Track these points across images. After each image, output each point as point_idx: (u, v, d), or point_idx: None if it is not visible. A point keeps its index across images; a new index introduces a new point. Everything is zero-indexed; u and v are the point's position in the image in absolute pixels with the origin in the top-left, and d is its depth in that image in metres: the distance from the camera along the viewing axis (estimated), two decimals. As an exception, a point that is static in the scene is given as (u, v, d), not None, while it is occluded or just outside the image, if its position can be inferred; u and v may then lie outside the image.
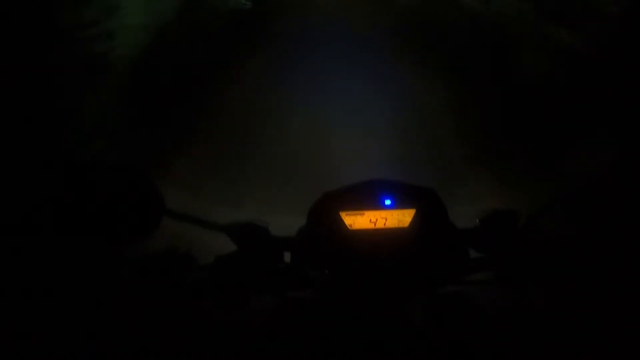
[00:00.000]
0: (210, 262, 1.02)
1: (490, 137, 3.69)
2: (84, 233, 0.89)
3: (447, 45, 5.94)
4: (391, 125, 3.94)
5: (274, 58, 5.56)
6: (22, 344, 1.08)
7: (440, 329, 1.05)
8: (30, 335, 1.08)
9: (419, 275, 1.04)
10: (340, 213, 1.04)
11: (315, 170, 3.08)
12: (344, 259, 1.04)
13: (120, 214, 0.91)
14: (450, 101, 4.45)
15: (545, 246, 1.08)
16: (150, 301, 0.94)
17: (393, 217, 1.04)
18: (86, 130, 3.36)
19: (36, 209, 0.86)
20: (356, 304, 1.05)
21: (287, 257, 1.08)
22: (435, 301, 1.08)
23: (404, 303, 1.07)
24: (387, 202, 1.05)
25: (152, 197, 0.94)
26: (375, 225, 1.05)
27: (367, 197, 1.05)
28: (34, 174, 0.89)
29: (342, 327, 1.02)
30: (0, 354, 1.07)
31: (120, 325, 0.96)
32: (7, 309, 1.00)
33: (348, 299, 1.06)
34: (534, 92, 4.16)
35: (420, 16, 7.33)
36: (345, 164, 3.13)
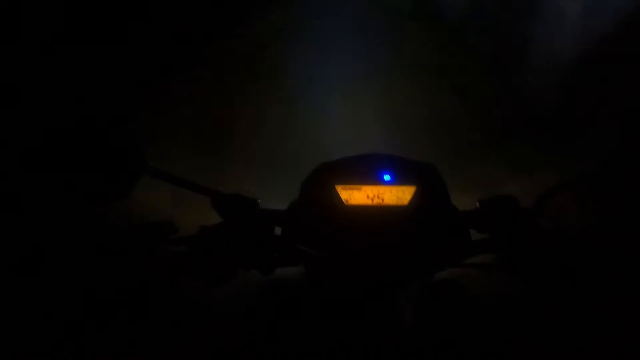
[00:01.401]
0: (193, 233, 0.95)
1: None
2: (61, 187, 0.81)
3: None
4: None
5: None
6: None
7: (432, 316, 0.99)
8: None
9: (417, 256, 0.98)
10: (336, 186, 0.97)
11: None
12: (338, 236, 0.98)
13: (98, 167, 0.83)
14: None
15: (548, 231, 1.03)
16: (128, 274, 0.87)
17: (392, 194, 0.98)
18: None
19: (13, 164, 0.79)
20: (348, 285, 0.99)
21: (278, 231, 1.01)
22: (430, 285, 1.03)
23: (399, 287, 1.01)
24: (387, 177, 0.99)
25: (132, 151, 0.86)
26: (372, 201, 0.98)
27: (365, 171, 0.99)
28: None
29: (331, 309, 0.96)
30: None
31: (95, 298, 0.89)
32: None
33: (340, 279, 1.00)
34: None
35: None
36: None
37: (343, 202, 0.97)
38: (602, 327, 1.14)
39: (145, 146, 0.85)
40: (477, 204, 1.07)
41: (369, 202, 0.98)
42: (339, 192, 0.97)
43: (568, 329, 1.19)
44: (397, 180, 0.99)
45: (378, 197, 0.98)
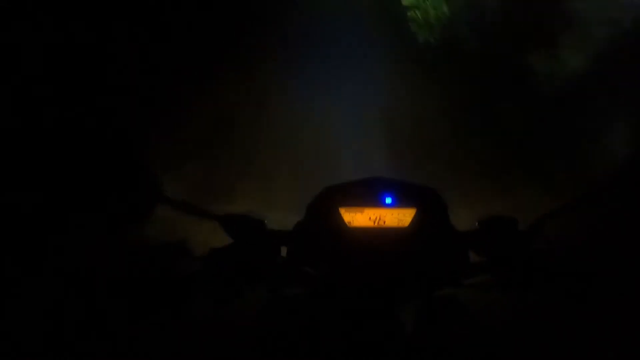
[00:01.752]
0: (204, 253, 1.00)
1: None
2: (77, 216, 0.87)
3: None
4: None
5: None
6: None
7: (432, 336, 1.02)
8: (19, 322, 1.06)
9: (417, 276, 1.02)
10: (340, 209, 1.01)
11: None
12: (342, 257, 1.02)
13: (114, 198, 0.89)
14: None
15: (546, 253, 1.05)
16: (140, 292, 0.92)
17: (393, 216, 1.02)
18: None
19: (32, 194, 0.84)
20: (351, 303, 1.03)
21: (284, 251, 1.05)
22: (430, 306, 1.06)
23: (399, 305, 1.04)
24: (388, 200, 1.03)
25: (147, 182, 0.91)
26: (375, 223, 1.02)
27: (368, 194, 1.03)
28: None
29: (335, 327, 1.00)
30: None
31: (108, 316, 0.93)
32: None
33: (343, 298, 1.04)
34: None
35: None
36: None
37: (346, 224, 1.01)
38: (599, 348, 1.17)
39: (159, 175, 0.91)
40: (477, 224, 1.10)
41: (371, 224, 1.02)
42: (343, 215, 1.01)
43: (565, 350, 1.21)
44: (398, 203, 1.03)
45: (380, 219, 1.02)
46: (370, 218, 1.02)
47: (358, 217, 1.02)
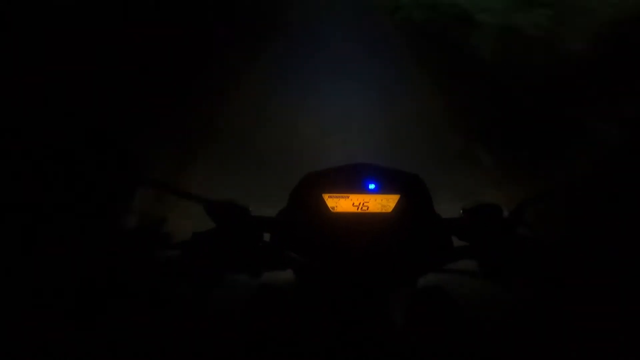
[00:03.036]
0: (186, 238, 0.99)
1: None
2: (57, 198, 0.85)
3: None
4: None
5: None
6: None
7: (418, 324, 1.03)
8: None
9: (401, 261, 1.02)
10: (323, 195, 1.01)
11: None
12: (325, 242, 1.02)
13: (94, 179, 0.87)
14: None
15: (529, 238, 1.06)
16: (121, 277, 0.91)
17: (377, 202, 1.02)
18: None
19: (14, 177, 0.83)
20: (334, 289, 1.03)
21: (267, 238, 1.05)
22: (415, 293, 1.07)
23: (384, 291, 1.04)
24: (372, 186, 1.03)
25: (128, 162, 0.90)
26: (358, 209, 1.02)
27: (351, 180, 1.03)
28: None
29: (318, 313, 1.00)
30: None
31: (88, 303, 0.92)
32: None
33: (326, 284, 1.03)
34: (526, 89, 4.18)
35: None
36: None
37: (330, 210, 1.01)
38: (584, 332, 1.18)
39: (142, 156, 0.90)
40: (461, 211, 1.11)
41: (354, 209, 1.02)
42: (326, 200, 1.01)
43: (548, 334, 1.22)
44: (381, 189, 1.03)
45: (363, 205, 1.02)
46: (353, 204, 1.02)
47: (341, 203, 1.02)
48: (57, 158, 0.87)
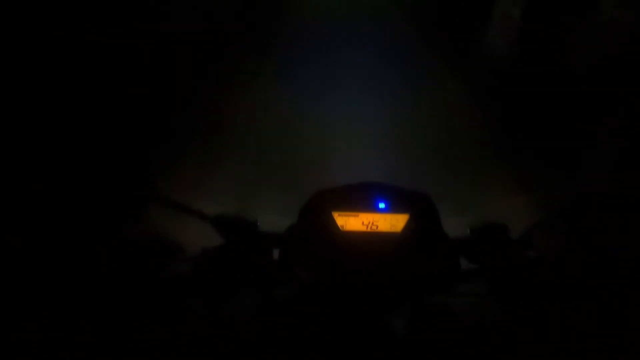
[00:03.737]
0: (196, 254, 0.99)
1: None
2: (68, 214, 0.86)
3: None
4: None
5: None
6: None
7: (421, 343, 1.02)
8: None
9: (408, 282, 1.02)
10: (332, 213, 1.01)
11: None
12: (333, 260, 1.02)
13: (105, 196, 0.88)
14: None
15: (538, 262, 1.06)
16: (131, 292, 0.91)
17: (386, 221, 1.02)
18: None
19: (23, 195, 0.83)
20: (341, 307, 1.03)
21: (276, 254, 1.05)
22: (421, 312, 1.06)
23: (390, 310, 1.04)
24: (381, 205, 1.03)
25: (139, 181, 0.91)
26: (367, 228, 1.02)
27: (361, 199, 1.03)
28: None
29: (324, 330, 1.00)
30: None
31: (98, 317, 0.93)
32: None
33: (333, 302, 1.03)
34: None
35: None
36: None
37: (339, 228, 1.01)
38: (592, 350, 1.16)
39: (155, 175, 0.90)
40: (469, 231, 1.10)
41: (363, 228, 1.02)
42: (335, 219, 1.01)
43: (556, 353, 1.22)
44: (391, 209, 1.03)
45: (373, 224, 1.02)
46: (363, 223, 1.02)
47: (351, 222, 1.02)
48: (72, 172, 0.87)
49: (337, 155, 3.32)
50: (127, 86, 3.65)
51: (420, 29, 7.21)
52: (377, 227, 1.02)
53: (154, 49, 4.40)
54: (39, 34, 2.98)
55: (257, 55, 5.82)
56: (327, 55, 6.05)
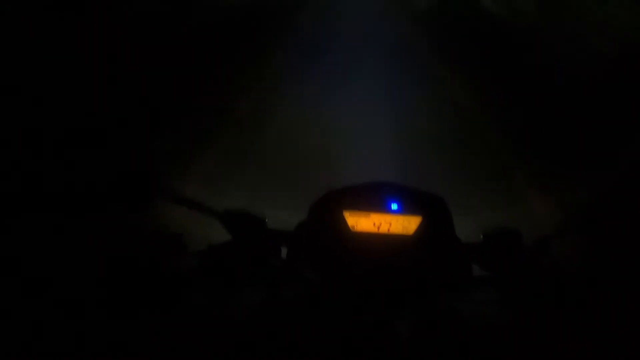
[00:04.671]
0: (202, 249, 0.97)
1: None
2: (73, 207, 0.85)
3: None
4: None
5: None
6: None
7: (429, 345, 1.00)
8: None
9: (418, 286, 0.99)
10: (343, 212, 0.99)
11: None
12: (343, 261, 0.99)
13: (111, 189, 0.86)
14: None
15: (551, 270, 1.03)
16: (136, 288, 0.89)
17: (398, 223, 1.00)
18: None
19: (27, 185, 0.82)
20: (349, 309, 1.00)
21: (284, 252, 1.03)
22: (429, 316, 1.04)
23: (397, 314, 1.02)
24: (394, 206, 1.00)
25: (145, 174, 0.89)
26: (378, 229, 1.00)
27: (373, 199, 1.01)
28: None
29: (330, 331, 0.97)
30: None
31: (102, 312, 0.91)
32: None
33: (341, 303, 1.01)
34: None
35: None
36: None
37: (349, 228, 0.99)
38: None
39: (162, 168, 0.89)
40: (482, 236, 1.08)
41: (374, 229, 1.00)
42: (346, 218, 0.99)
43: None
44: (404, 210, 1.00)
45: (384, 225, 1.00)
46: (374, 223, 1.00)
47: (362, 222, 0.99)
48: (77, 168, 0.86)
49: (347, 154, 3.30)
50: (136, 78, 3.65)
51: (429, 28, 7.15)
52: (388, 229, 1.00)
53: (165, 43, 4.41)
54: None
55: (266, 50, 5.80)
56: (337, 51, 6.01)
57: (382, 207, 1.00)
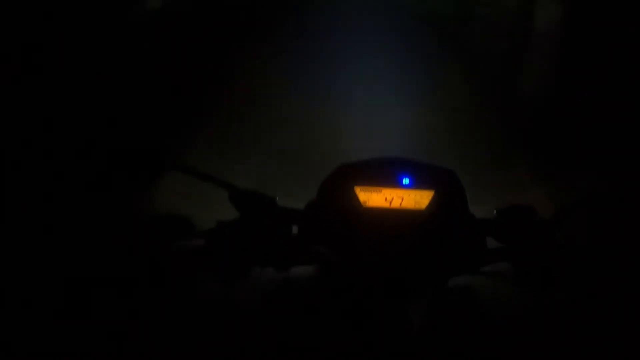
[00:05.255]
0: (211, 227, 0.96)
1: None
2: (83, 181, 0.84)
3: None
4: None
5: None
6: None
7: (441, 327, 0.99)
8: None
9: (432, 261, 0.98)
10: (355, 187, 0.97)
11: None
12: (355, 237, 0.98)
13: (120, 163, 0.85)
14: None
15: (566, 246, 1.01)
16: (143, 266, 0.89)
17: (410, 197, 0.98)
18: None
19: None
20: (361, 286, 0.99)
21: (295, 230, 1.02)
22: (443, 292, 1.03)
23: (412, 290, 1.00)
24: (406, 180, 0.99)
25: (154, 147, 0.88)
26: (390, 204, 0.98)
27: (384, 174, 0.99)
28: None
29: (342, 309, 0.96)
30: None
31: (105, 292, 0.91)
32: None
33: (354, 280, 1.00)
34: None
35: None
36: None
37: (361, 204, 0.98)
38: (615, 339, 1.13)
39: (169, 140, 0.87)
40: (495, 212, 1.06)
41: (386, 204, 0.98)
42: (358, 194, 0.97)
43: (579, 340, 1.18)
44: (416, 185, 0.99)
45: (396, 200, 0.98)
46: (386, 199, 0.98)
47: (374, 197, 0.98)
48: (79, 144, 0.85)
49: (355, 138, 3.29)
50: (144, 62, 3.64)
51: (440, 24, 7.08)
52: (400, 204, 0.98)
53: (174, 30, 4.40)
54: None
55: (274, 38, 5.77)
56: (346, 36, 5.96)
57: (393, 182, 0.99)
